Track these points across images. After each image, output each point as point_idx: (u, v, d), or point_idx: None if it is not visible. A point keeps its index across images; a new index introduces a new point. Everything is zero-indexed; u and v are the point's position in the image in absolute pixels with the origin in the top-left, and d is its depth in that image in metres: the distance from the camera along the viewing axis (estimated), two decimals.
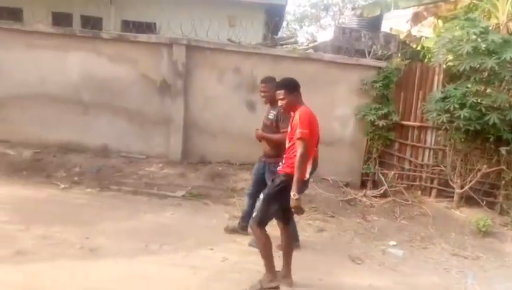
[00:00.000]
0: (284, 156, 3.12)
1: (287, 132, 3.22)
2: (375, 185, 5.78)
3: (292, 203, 2.86)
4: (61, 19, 8.55)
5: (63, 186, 5.05)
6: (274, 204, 3.04)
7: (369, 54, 6.10)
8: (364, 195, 5.51)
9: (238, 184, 5.41)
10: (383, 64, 5.71)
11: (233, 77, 5.89)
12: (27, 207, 4.31)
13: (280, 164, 3.15)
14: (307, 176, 2.99)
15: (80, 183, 5.19)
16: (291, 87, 3.07)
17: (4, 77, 5.90)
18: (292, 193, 2.84)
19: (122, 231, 3.98)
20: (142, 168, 5.59)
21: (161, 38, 5.86)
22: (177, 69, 5.78)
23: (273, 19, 7.93)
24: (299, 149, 2.86)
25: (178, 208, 4.78)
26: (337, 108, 5.84)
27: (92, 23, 7.90)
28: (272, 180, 3.14)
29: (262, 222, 3.07)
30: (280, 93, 3.06)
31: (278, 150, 3.52)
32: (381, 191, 5.51)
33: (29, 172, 5.33)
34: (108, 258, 3.38)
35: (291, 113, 3.09)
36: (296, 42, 7.79)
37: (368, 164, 5.82)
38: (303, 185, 2.96)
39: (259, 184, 3.71)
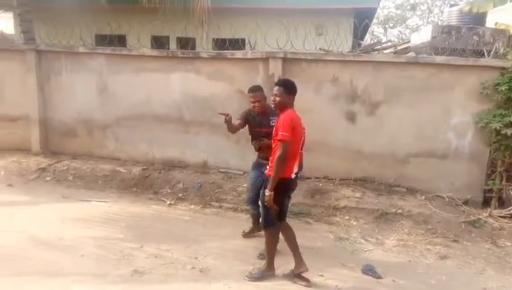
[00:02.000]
0: (270, 158, 3.26)
1: None
2: (502, 203, 5.00)
3: (265, 198, 3.14)
4: (159, 42, 9.14)
5: (168, 202, 5.24)
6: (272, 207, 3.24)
7: (488, 53, 5.36)
8: (490, 215, 4.78)
9: (340, 202, 5.09)
10: (507, 64, 4.95)
11: (331, 88, 5.61)
12: (138, 224, 4.52)
13: (267, 167, 3.32)
14: (293, 176, 3.25)
15: (184, 200, 5.33)
16: (290, 88, 3.28)
17: (116, 99, 6.39)
18: (266, 190, 3.13)
19: (229, 250, 3.93)
20: (240, 185, 5.56)
21: (257, 53, 5.83)
22: (273, 83, 5.66)
23: (362, 24, 7.49)
24: (279, 150, 3.08)
25: None
26: (452, 116, 5.19)
27: (186, 44, 8.27)
28: (263, 186, 3.28)
29: (269, 223, 3.33)
30: (278, 90, 3.22)
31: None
32: (511, 211, 4.74)
33: (138, 188, 5.65)
34: (220, 281, 3.33)
35: (278, 112, 3.30)
36: (394, 46, 7.23)
37: (493, 179, 5.06)
38: (290, 184, 3.29)
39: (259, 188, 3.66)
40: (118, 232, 4.27)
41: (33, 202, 5.11)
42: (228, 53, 5.93)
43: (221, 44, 6.31)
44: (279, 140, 3.09)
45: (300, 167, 3.41)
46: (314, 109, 5.67)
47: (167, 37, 9.53)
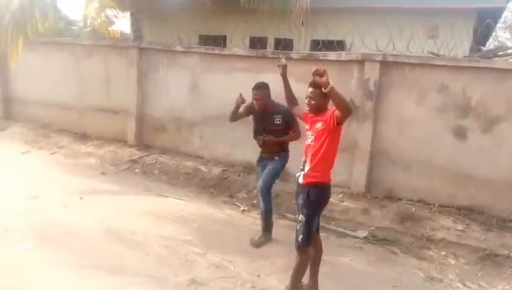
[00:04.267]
0: (307, 167, 2.94)
1: (296, 131, 3.95)
2: None
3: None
4: (257, 43, 9.10)
5: (242, 208, 5.01)
6: (315, 219, 3.00)
7: None
8: None
9: (436, 233, 4.29)
10: None
11: (438, 98, 4.79)
12: (209, 227, 4.37)
13: (301, 174, 3.00)
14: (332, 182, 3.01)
15: (258, 207, 5.05)
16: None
17: (205, 98, 6.41)
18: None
19: None
20: None
21: (352, 55, 5.28)
22: (368, 89, 5.08)
23: (484, 26, 6.31)
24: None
25: (359, 252, 4.04)
26: None
27: (284, 45, 8.02)
28: (307, 197, 2.91)
29: (310, 241, 2.97)
30: (312, 93, 2.91)
31: (283, 146, 4.06)
32: None
33: (215, 189, 5.55)
34: None
35: (317, 113, 2.93)
36: None
37: None
38: (329, 190, 3.00)
39: None
40: (187, 234, 4.17)
41: (119, 192, 5.35)
42: (320, 54, 5.49)
43: (322, 46, 5.91)
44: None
45: None
46: (415, 120, 4.93)
47: (265, 38, 9.44)
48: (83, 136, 7.64)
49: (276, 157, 4.02)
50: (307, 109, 3.02)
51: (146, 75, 6.95)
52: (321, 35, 6.48)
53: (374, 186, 5.19)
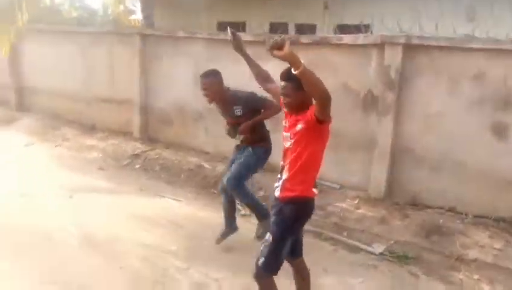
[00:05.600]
0: (285, 176, 2.31)
1: (269, 106, 3.24)
2: None
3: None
4: (277, 28, 8.51)
5: (243, 212, 4.47)
6: (286, 242, 2.31)
7: None
8: None
9: (469, 251, 3.57)
10: None
11: (473, 87, 4.01)
12: (200, 235, 3.87)
13: (278, 187, 2.36)
14: (315, 194, 2.36)
15: None
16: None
17: None
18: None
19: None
20: (332, 203, 4.47)
21: (369, 37, 4.55)
22: (389, 77, 4.35)
23: None
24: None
25: (371, 272, 3.40)
26: None
27: (306, 30, 7.37)
28: (279, 212, 2.33)
29: (274, 269, 2.30)
30: (285, 87, 2.23)
31: (261, 133, 3.43)
32: None
33: (216, 189, 5.01)
34: None
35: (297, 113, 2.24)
36: None
37: None
38: (312, 206, 2.37)
39: None
40: (173, 242, 3.71)
41: (112, 191, 4.96)
42: (334, 38, 4.81)
43: (346, 31, 5.23)
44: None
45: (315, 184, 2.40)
46: (445, 114, 4.18)
47: (286, 24, 8.81)
48: (91, 128, 7.35)
49: (250, 149, 3.39)
50: (284, 109, 2.37)
51: (150, 63, 6.50)
52: (348, 19, 5.78)
53: (396, 190, 4.50)
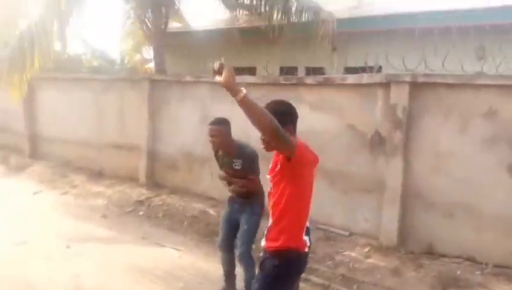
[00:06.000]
0: (270, 220, 2.13)
1: (251, 179, 3.09)
2: None
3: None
4: (287, 72, 8.58)
5: None
6: None
7: None
8: None
9: None
10: None
11: (485, 126, 3.78)
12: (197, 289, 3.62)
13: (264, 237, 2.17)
14: (306, 248, 2.12)
15: None
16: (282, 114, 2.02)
17: None
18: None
19: None
20: (341, 251, 4.16)
21: (374, 77, 4.44)
22: (396, 117, 4.18)
23: None
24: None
25: None
26: None
27: (315, 73, 7.38)
28: (261, 266, 2.16)
29: None
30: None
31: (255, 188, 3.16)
32: None
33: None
34: None
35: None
36: None
37: None
38: (299, 260, 2.12)
39: (235, 231, 3.26)
40: None
41: (112, 240, 4.79)
42: (338, 78, 4.73)
43: (353, 73, 5.16)
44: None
45: (308, 232, 2.16)
46: (456, 154, 3.93)
47: (295, 68, 8.88)
48: (99, 174, 7.33)
49: (249, 209, 3.22)
50: (262, 146, 2.11)
51: (158, 108, 6.54)
52: (355, 61, 5.74)
53: (409, 237, 4.17)
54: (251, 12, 7.90)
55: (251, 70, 8.93)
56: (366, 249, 4.15)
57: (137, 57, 12.48)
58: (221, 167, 3.39)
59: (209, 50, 9.16)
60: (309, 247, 2.17)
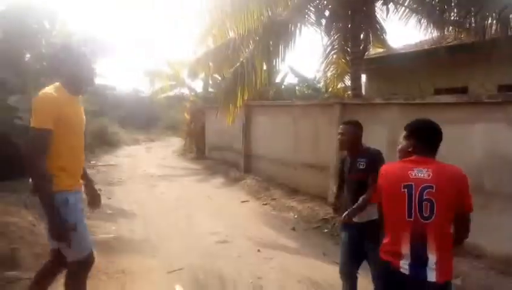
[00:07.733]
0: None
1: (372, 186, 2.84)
2: None
3: None
4: (508, 91, 7.32)
5: None
6: None
7: None
8: None
9: None
10: None
11: None
12: None
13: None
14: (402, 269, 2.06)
15: None
16: None
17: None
18: None
19: None
20: None
21: None
22: None
23: None
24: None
25: None
26: None
27: None
28: None
29: None
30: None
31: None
32: None
33: None
34: None
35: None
36: None
37: None
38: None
39: (357, 256, 3.20)
40: None
41: (296, 251, 5.16)
42: None
43: None
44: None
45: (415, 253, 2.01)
46: None
47: None
48: (294, 191, 8.02)
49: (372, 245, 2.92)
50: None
51: None
52: None
53: None
54: (460, 28, 7.17)
55: (462, 91, 8.03)
56: None
57: (340, 84, 13.08)
58: (348, 171, 3.27)
59: (413, 72, 8.76)
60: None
